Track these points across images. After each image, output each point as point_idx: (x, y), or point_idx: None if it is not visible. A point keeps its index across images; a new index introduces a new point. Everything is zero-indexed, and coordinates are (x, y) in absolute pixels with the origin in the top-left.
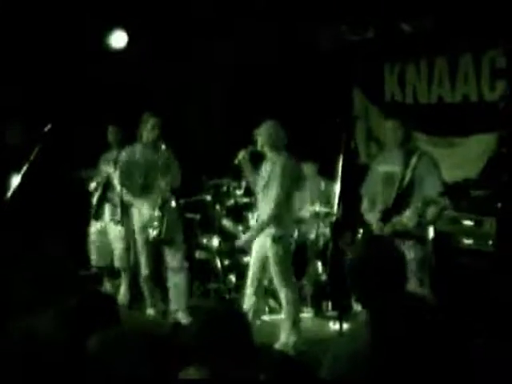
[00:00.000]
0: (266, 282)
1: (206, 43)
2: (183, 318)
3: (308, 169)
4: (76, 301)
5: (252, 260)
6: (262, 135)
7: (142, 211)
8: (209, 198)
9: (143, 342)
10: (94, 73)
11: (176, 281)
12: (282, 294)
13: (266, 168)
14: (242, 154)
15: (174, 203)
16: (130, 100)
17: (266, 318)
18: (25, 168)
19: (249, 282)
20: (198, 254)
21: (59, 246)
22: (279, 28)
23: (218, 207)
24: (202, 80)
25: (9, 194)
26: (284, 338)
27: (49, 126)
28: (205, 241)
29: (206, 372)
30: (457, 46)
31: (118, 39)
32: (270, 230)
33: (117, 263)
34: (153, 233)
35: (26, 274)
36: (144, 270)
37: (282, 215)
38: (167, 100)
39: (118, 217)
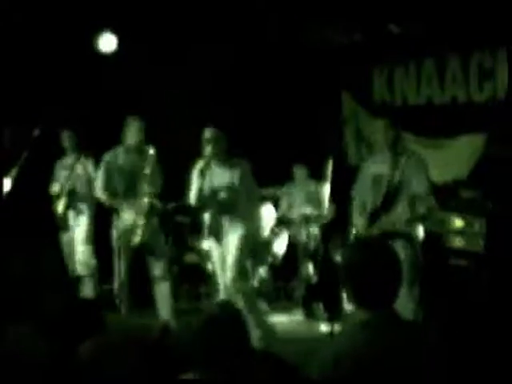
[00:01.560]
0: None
1: (199, 47)
2: (172, 323)
3: (298, 171)
4: (60, 307)
5: (215, 263)
6: (216, 142)
7: (125, 216)
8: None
9: (135, 348)
10: (85, 76)
11: (160, 289)
12: (235, 283)
13: (224, 172)
14: (199, 164)
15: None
16: (121, 104)
17: None
18: (14, 172)
19: (220, 281)
20: (188, 258)
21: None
22: (268, 32)
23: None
24: (192, 83)
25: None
26: (255, 336)
27: (37, 131)
28: (194, 244)
29: (203, 374)
30: (445, 47)
31: (107, 43)
32: (236, 226)
33: (79, 269)
34: (135, 239)
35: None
36: (121, 277)
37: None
38: (158, 104)
39: (82, 221)
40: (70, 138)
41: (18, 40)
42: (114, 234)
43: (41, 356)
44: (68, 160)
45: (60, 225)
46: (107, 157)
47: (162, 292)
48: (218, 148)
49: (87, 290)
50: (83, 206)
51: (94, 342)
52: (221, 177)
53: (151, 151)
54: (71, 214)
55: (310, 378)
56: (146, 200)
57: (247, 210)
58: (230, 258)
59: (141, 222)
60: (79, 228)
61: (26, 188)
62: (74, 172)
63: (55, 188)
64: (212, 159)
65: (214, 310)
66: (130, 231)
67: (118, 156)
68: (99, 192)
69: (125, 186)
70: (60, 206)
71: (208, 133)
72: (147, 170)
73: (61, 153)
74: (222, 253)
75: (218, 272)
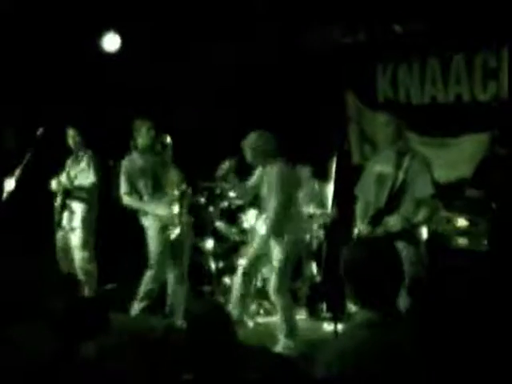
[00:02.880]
0: (258, 283)
1: (204, 45)
2: (180, 323)
3: (302, 171)
4: (64, 306)
5: (252, 249)
6: (251, 148)
7: (158, 214)
8: (202, 200)
9: (137, 348)
10: (89, 76)
11: (177, 289)
12: (275, 300)
13: (264, 177)
14: (224, 167)
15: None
16: (125, 103)
17: (260, 320)
18: (18, 172)
19: (241, 270)
20: (192, 257)
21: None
22: (271, 32)
23: (211, 209)
24: (199, 82)
25: (3, 197)
26: (282, 341)
27: (41, 130)
28: (198, 243)
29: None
30: (449, 46)
31: (111, 42)
32: (277, 233)
33: (79, 273)
34: (174, 232)
35: (16, 277)
36: (151, 283)
37: (286, 221)
38: (162, 102)
39: (76, 223)
40: (74, 136)
41: (22, 40)
42: (150, 233)
43: (45, 354)
44: (72, 157)
45: (56, 224)
46: (125, 164)
47: (178, 293)
48: (256, 154)
49: (86, 293)
50: (78, 208)
51: (97, 342)
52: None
53: (167, 140)
54: (66, 215)
55: (314, 377)
56: (176, 190)
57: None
58: (274, 271)
59: (176, 211)
60: (75, 232)
61: (29, 188)
62: (73, 170)
63: (55, 187)
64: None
65: (198, 310)
66: (166, 226)
67: (135, 160)
68: (126, 199)
69: (151, 186)
70: (56, 204)
71: (248, 138)
72: (168, 161)
73: (66, 151)
74: (259, 254)
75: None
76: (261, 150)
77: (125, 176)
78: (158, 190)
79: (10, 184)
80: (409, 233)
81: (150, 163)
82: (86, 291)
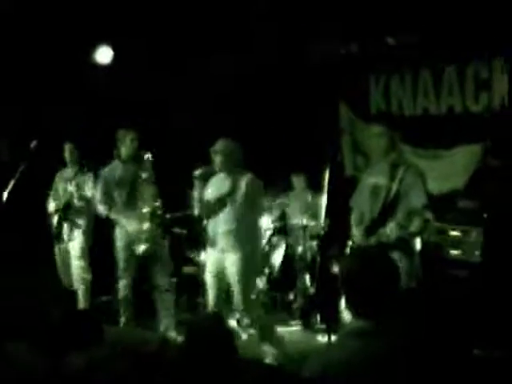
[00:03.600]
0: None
1: (201, 56)
2: (173, 335)
3: (297, 181)
4: (58, 319)
5: (210, 275)
6: (223, 153)
7: (128, 227)
8: (196, 212)
9: (129, 361)
10: (83, 88)
11: (165, 300)
12: (245, 312)
13: (224, 183)
14: (200, 172)
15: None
16: (117, 115)
17: (254, 331)
18: (11, 185)
19: (210, 297)
20: (186, 269)
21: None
22: (265, 43)
23: (204, 221)
24: (196, 93)
25: None
26: (267, 351)
27: (34, 143)
28: (192, 255)
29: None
30: (441, 58)
31: (104, 55)
32: (234, 245)
33: (75, 283)
34: (140, 248)
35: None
36: (124, 291)
37: (249, 230)
38: (155, 115)
39: (77, 236)
40: (72, 150)
41: (16, 52)
42: (118, 244)
43: (36, 371)
44: (68, 172)
45: (54, 237)
46: (105, 171)
47: (166, 303)
48: (227, 160)
49: (81, 304)
50: (79, 220)
51: (88, 354)
52: (224, 188)
53: (147, 156)
54: (65, 227)
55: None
56: (147, 206)
57: (249, 225)
58: (236, 285)
59: (145, 228)
60: (74, 242)
61: (20, 202)
62: (72, 185)
63: (55, 202)
64: (220, 170)
65: (196, 323)
66: (133, 241)
67: (115, 169)
68: (98, 206)
69: (126, 196)
70: (55, 219)
71: (219, 144)
72: (145, 176)
73: (60, 164)
74: (219, 267)
75: (211, 285)
76: (232, 156)
77: (101, 184)
78: (131, 201)
79: (2, 197)
80: (403, 244)
81: (130, 173)
82: (82, 302)
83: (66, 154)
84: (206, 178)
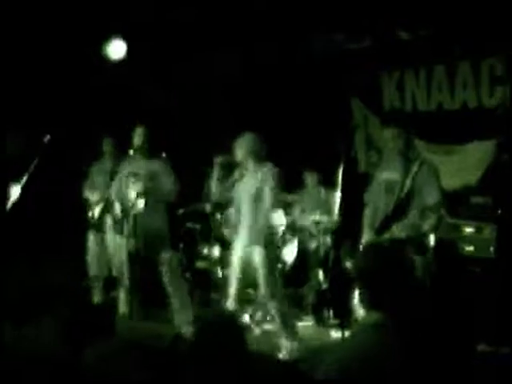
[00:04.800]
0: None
1: (209, 54)
2: (188, 330)
3: (309, 178)
4: (69, 313)
5: (233, 270)
6: (244, 148)
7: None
8: (208, 207)
9: (140, 355)
10: (95, 82)
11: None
12: (270, 306)
13: (251, 178)
14: (222, 159)
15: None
16: (129, 110)
17: (267, 326)
18: (24, 179)
19: (232, 295)
20: (199, 264)
21: (56, 257)
22: (277, 39)
23: (217, 216)
24: (201, 90)
25: (9, 204)
26: (285, 348)
27: (48, 137)
28: (205, 250)
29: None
30: (455, 53)
31: (117, 49)
32: (259, 240)
33: (116, 273)
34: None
35: (22, 284)
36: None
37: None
38: (167, 110)
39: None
40: (110, 144)
41: (31, 47)
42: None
43: (56, 354)
44: (106, 165)
45: (93, 229)
46: (119, 166)
47: (180, 299)
48: (251, 154)
49: (123, 296)
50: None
51: (99, 348)
52: (251, 184)
53: (163, 155)
54: (109, 220)
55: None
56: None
57: (267, 220)
58: (264, 278)
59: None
60: (118, 237)
61: (33, 196)
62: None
63: (95, 196)
64: (244, 165)
65: (209, 318)
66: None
67: (128, 163)
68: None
69: (141, 190)
70: (96, 211)
71: (243, 139)
72: (161, 173)
73: (96, 157)
74: (246, 261)
75: (234, 279)
76: (256, 150)
77: (116, 179)
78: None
79: (15, 191)
80: (416, 240)
81: (143, 168)
82: (122, 293)
83: (105, 148)
84: (226, 167)
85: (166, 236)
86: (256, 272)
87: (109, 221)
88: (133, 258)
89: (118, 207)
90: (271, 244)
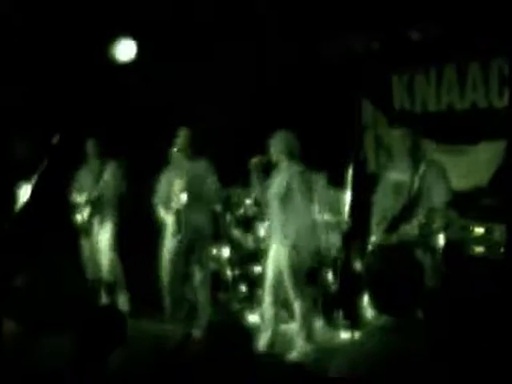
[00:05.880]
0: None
1: (225, 48)
2: (198, 331)
3: (318, 178)
4: (83, 327)
5: (268, 269)
6: (278, 145)
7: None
8: (218, 207)
9: (155, 358)
10: (105, 83)
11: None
12: (296, 305)
13: (281, 178)
14: (255, 161)
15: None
16: (143, 113)
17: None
18: (34, 180)
19: (266, 291)
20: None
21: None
22: (287, 41)
23: (227, 217)
24: (215, 92)
25: (19, 205)
26: (299, 348)
27: (57, 137)
28: (214, 251)
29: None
30: (465, 53)
31: (126, 50)
32: (288, 240)
33: (106, 276)
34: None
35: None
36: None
37: (301, 225)
38: (184, 115)
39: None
40: (94, 145)
41: (39, 49)
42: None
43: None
44: (92, 167)
45: (83, 232)
46: (165, 169)
47: (202, 299)
48: (284, 152)
49: (108, 297)
50: (109, 213)
51: (122, 353)
52: (277, 183)
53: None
54: (96, 221)
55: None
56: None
57: (299, 217)
58: (288, 279)
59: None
60: (105, 235)
61: (44, 196)
62: (101, 179)
63: (82, 197)
64: (277, 163)
65: (216, 320)
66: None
67: (171, 164)
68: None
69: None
70: (85, 213)
71: (277, 137)
72: (204, 176)
73: (81, 160)
74: (277, 259)
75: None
76: (286, 149)
77: (162, 182)
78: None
79: (25, 191)
80: (424, 241)
81: (190, 171)
82: (107, 295)
83: (89, 149)
84: (262, 167)
85: (208, 235)
86: (283, 271)
87: (96, 223)
88: (175, 254)
89: (162, 211)
90: (298, 245)
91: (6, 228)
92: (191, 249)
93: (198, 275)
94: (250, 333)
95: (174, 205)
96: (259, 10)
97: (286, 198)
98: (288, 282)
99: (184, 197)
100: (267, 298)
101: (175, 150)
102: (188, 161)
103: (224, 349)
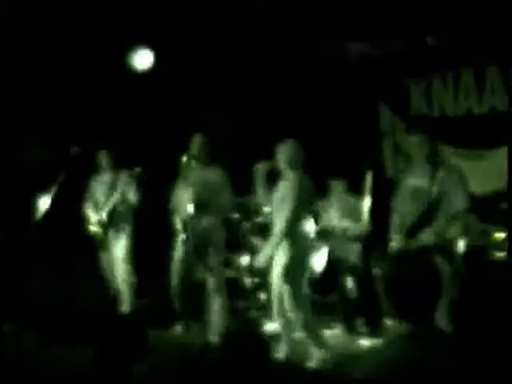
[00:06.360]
0: None
1: (230, 54)
2: (215, 339)
3: (336, 185)
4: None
5: (273, 278)
6: (283, 154)
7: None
8: (236, 215)
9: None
10: (121, 92)
11: (214, 303)
12: (292, 316)
13: (280, 186)
14: (259, 167)
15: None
16: (156, 122)
17: (296, 335)
18: (54, 190)
19: (274, 301)
20: (227, 272)
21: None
22: (304, 45)
23: (245, 225)
24: (228, 100)
25: (39, 215)
26: (313, 354)
27: (75, 149)
28: (233, 259)
29: None
30: (483, 57)
31: (143, 59)
32: (285, 246)
33: (121, 287)
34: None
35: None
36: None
37: (296, 230)
38: (195, 122)
39: (122, 239)
40: (106, 156)
41: (55, 57)
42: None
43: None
44: (104, 178)
45: (99, 244)
46: (187, 174)
47: (216, 306)
48: (288, 161)
49: (126, 307)
50: (124, 225)
51: (146, 362)
52: (278, 191)
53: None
54: (112, 233)
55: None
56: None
57: (298, 226)
58: (284, 287)
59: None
60: (120, 246)
61: (63, 206)
62: (114, 190)
63: (97, 209)
64: (281, 172)
65: (234, 329)
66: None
67: (185, 173)
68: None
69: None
70: (100, 226)
71: (282, 146)
72: (217, 184)
73: (94, 171)
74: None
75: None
76: (289, 158)
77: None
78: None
79: (45, 202)
80: (443, 247)
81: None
82: (126, 305)
83: (101, 160)
84: (266, 174)
85: (219, 243)
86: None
87: (111, 235)
88: (183, 262)
89: (177, 219)
90: (292, 254)
91: (25, 237)
92: (200, 257)
93: (210, 283)
94: (267, 341)
95: (182, 214)
96: (260, 11)
97: (281, 207)
98: (283, 290)
99: (191, 207)
100: (274, 307)
101: (186, 157)
102: (202, 168)
103: (241, 357)
